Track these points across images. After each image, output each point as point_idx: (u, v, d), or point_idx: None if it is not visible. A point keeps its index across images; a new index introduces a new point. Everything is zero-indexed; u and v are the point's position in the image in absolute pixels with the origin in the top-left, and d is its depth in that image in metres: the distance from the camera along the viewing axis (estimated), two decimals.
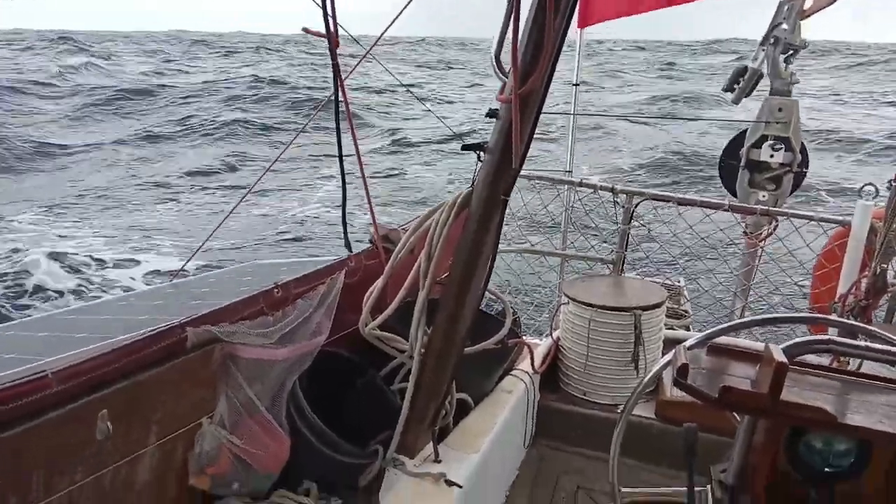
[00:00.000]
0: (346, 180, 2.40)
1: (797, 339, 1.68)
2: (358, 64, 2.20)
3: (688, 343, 1.87)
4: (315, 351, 2.13)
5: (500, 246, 4.09)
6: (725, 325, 1.88)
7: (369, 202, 2.50)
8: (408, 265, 2.26)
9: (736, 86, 4.69)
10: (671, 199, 3.97)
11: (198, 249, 3.16)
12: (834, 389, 1.60)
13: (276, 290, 2.01)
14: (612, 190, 4.03)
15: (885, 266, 3.25)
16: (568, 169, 4.94)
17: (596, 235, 4.35)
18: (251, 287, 2.09)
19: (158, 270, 11.04)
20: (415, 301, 2.19)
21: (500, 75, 1.96)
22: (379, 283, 2.33)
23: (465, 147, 2.09)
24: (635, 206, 4.01)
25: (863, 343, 1.80)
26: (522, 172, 4.09)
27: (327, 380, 2.29)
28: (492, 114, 2.03)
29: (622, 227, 4.04)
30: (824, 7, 4.25)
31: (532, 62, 1.85)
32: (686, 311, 4.45)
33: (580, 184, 4.11)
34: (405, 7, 2.17)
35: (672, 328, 4.19)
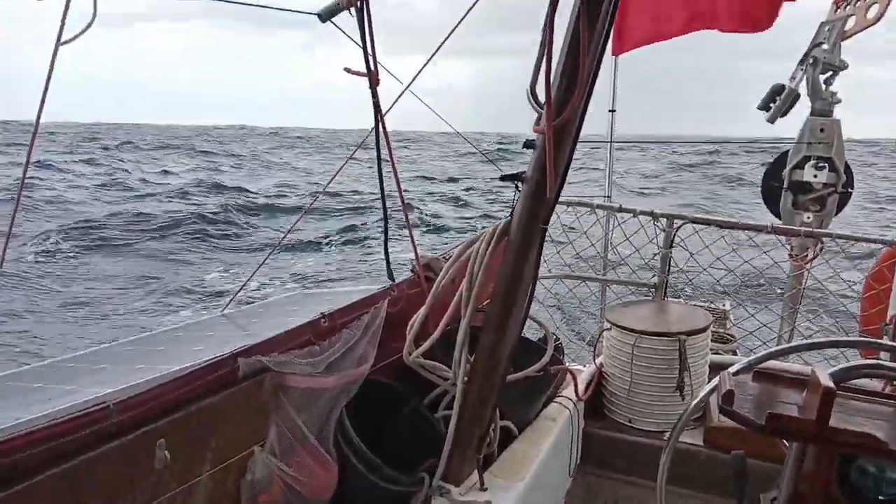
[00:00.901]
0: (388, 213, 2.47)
1: (845, 364, 1.67)
2: (396, 100, 2.28)
3: (733, 369, 1.86)
4: (361, 379, 2.17)
5: (540, 272, 4.13)
6: (772, 350, 1.87)
7: (410, 233, 2.56)
8: (449, 294, 2.31)
9: (772, 104, 4.66)
10: (712, 223, 3.95)
11: (253, 273, 3.26)
12: (884, 415, 1.57)
13: (322, 320, 2.07)
14: (651, 214, 4.02)
15: None
16: (607, 194, 4.95)
17: (638, 261, 4.32)
18: (298, 317, 2.16)
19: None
20: (457, 329, 2.23)
21: (536, 107, 2.01)
22: (422, 311, 2.38)
23: (504, 178, 2.14)
24: (676, 230, 3.99)
25: None
26: (562, 199, 4.15)
27: (373, 408, 2.33)
28: (529, 144, 2.08)
29: (663, 252, 4.02)
30: (866, 28, 4.20)
31: (566, 94, 1.90)
32: (732, 336, 4.38)
33: (620, 209, 4.11)
34: (442, 44, 2.25)
35: (718, 353, 4.13)
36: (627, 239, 4.18)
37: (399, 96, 2.23)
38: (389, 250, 2.58)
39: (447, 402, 2.48)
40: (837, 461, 1.54)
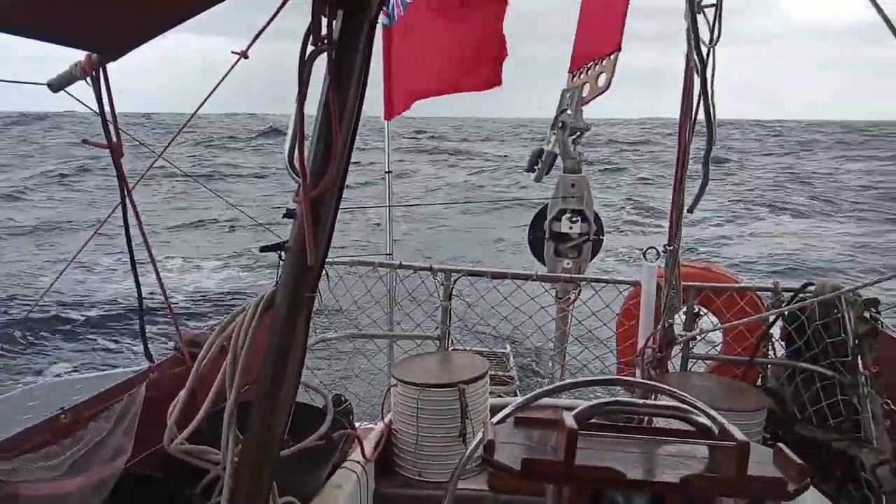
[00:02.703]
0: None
1: (587, 404, 1.84)
2: (148, 170, 2.16)
3: (496, 418, 1.97)
4: (116, 475, 1.97)
5: (327, 333, 4.08)
6: (528, 396, 2.01)
7: (169, 308, 2.40)
8: (217, 371, 2.18)
9: (536, 167, 5.16)
10: (485, 274, 4.21)
11: None
12: (625, 447, 1.75)
13: (62, 416, 1.85)
14: (430, 269, 4.20)
15: (671, 320, 3.64)
16: (388, 252, 5.08)
17: (422, 315, 4.47)
18: (38, 413, 1.91)
19: None
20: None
21: (294, 177, 2.01)
22: (183, 392, 2.22)
23: (264, 248, 2.10)
24: (454, 283, 4.20)
25: (642, 401, 2.00)
26: (343, 259, 4.18)
27: None
28: (289, 214, 2.06)
29: (443, 304, 4.20)
30: (599, 95, 4.81)
31: (323, 163, 1.92)
32: (512, 378, 4.66)
33: (400, 265, 4.24)
34: (196, 110, 2.18)
35: (500, 395, 4.37)
36: (410, 295, 4.32)
37: (149, 167, 2.11)
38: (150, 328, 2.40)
39: (221, 488, 2.33)
40: (590, 494, 1.67)
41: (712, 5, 2.55)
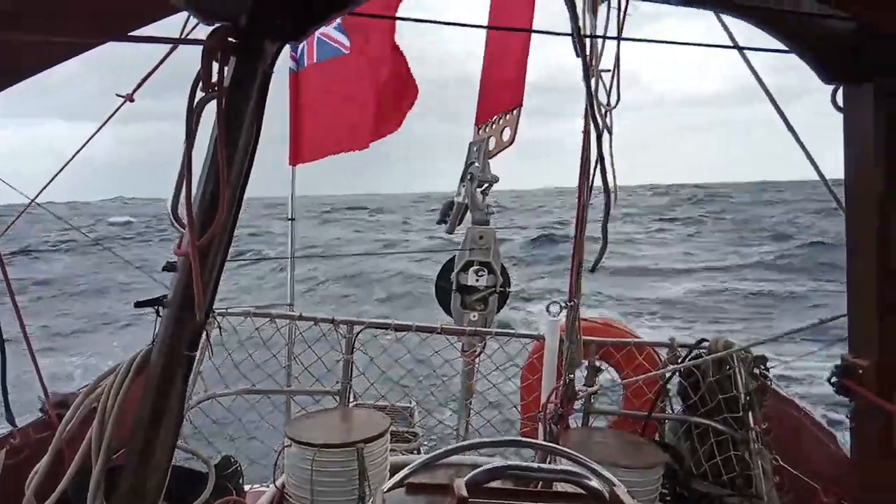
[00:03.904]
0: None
1: (479, 469, 1.77)
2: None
3: (387, 486, 1.87)
4: None
5: (216, 389, 3.84)
6: (420, 461, 1.92)
7: (35, 366, 2.17)
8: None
9: (447, 218, 5.15)
10: (389, 326, 4.11)
11: None
12: None
13: None
14: (332, 321, 4.06)
15: (572, 376, 3.65)
16: (289, 302, 4.90)
17: (322, 369, 4.29)
18: None
19: None
20: None
21: (178, 227, 1.88)
22: (45, 459, 2.00)
23: (140, 304, 1.94)
24: (356, 336, 4.07)
25: (536, 465, 1.95)
26: (239, 310, 3.97)
27: None
28: (169, 267, 1.92)
29: (345, 357, 4.05)
30: (504, 149, 4.90)
31: (210, 212, 1.80)
32: (415, 434, 4.52)
33: (300, 317, 4.08)
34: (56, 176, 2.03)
35: (402, 453, 4.22)
36: (310, 347, 4.15)
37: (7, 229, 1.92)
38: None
39: None
40: None
41: (608, 70, 2.65)
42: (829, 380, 2.10)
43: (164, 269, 1.94)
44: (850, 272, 2.03)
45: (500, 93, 4.96)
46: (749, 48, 2.20)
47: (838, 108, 2.03)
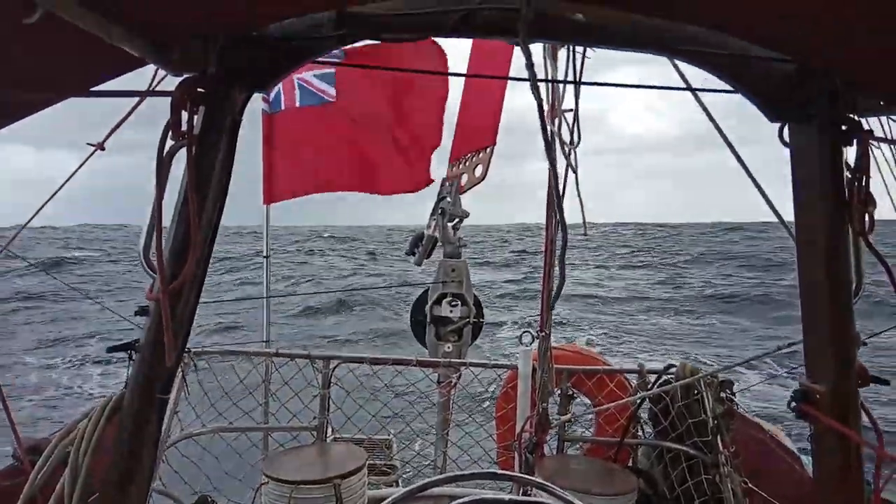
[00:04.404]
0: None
1: (455, 503, 1.82)
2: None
3: None
4: None
5: (192, 429, 3.84)
6: (395, 496, 1.97)
7: (8, 414, 2.18)
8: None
9: (416, 250, 5.23)
10: (365, 360, 4.15)
11: None
12: None
13: None
14: (308, 356, 4.09)
15: (546, 405, 3.71)
16: (265, 339, 4.92)
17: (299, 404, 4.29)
18: None
19: None
20: None
21: (149, 272, 1.94)
22: None
23: (113, 349, 1.98)
24: (333, 370, 4.10)
25: (507, 498, 2.01)
26: (214, 349, 3.99)
27: None
28: (142, 311, 1.97)
29: (322, 393, 4.08)
30: (476, 184, 5.02)
31: (181, 256, 1.86)
32: (393, 467, 4.54)
33: (276, 354, 4.11)
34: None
35: (380, 486, 4.24)
36: (286, 383, 4.17)
37: None
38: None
39: None
40: None
41: (570, 110, 2.77)
42: (788, 405, 2.17)
43: (136, 314, 1.99)
44: (802, 301, 2.11)
45: (475, 133, 5.12)
46: (701, 89, 2.32)
47: (785, 144, 2.13)
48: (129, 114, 1.92)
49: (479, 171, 4.93)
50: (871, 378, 2.07)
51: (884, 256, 2.07)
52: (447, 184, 5.12)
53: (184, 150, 1.77)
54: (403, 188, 5.60)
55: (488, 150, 4.94)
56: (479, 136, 5.05)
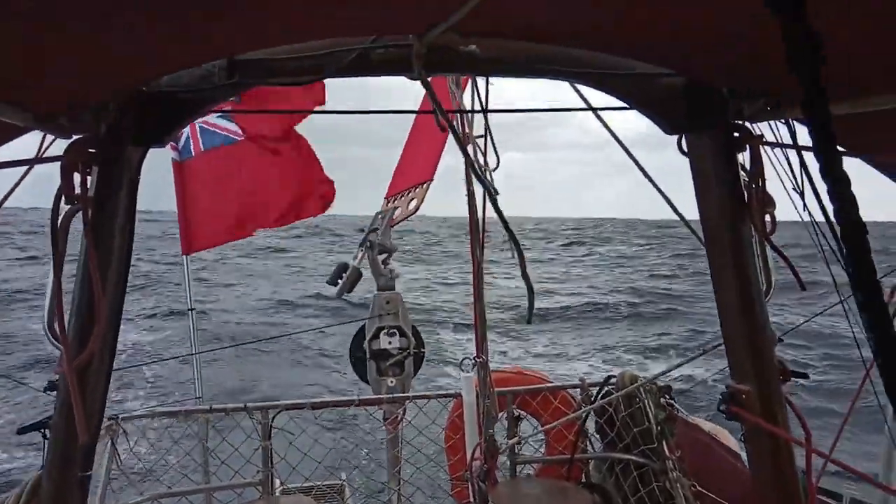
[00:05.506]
0: None
1: None
2: None
3: None
4: None
5: (130, 499, 3.63)
6: None
7: None
8: None
9: (340, 280, 5.12)
10: (305, 406, 4.03)
11: None
12: None
13: None
14: (245, 409, 3.94)
15: (492, 431, 3.67)
16: (198, 395, 4.72)
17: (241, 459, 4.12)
18: None
19: None
20: None
21: (56, 345, 1.82)
22: None
23: (23, 430, 1.85)
24: (272, 419, 3.96)
25: None
26: (144, 411, 3.80)
27: None
28: (52, 387, 1.85)
29: (263, 444, 3.93)
30: (410, 216, 5.00)
31: (87, 325, 1.76)
32: None
33: (211, 410, 3.94)
34: None
35: None
36: (225, 440, 4.00)
37: None
38: None
39: None
40: None
41: (481, 136, 2.79)
42: (718, 407, 2.21)
43: (45, 390, 1.86)
44: (717, 304, 2.16)
45: (416, 169, 5.14)
46: (601, 108, 2.38)
47: (684, 154, 2.19)
48: (17, 184, 1.80)
49: (413, 205, 4.92)
50: (791, 373, 2.13)
51: (786, 253, 2.15)
52: (379, 217, 5.08)
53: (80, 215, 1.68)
54: (310, 212, 5.56)
55: (425, 185, 4.95)
56: (418, 172, 5.08)
